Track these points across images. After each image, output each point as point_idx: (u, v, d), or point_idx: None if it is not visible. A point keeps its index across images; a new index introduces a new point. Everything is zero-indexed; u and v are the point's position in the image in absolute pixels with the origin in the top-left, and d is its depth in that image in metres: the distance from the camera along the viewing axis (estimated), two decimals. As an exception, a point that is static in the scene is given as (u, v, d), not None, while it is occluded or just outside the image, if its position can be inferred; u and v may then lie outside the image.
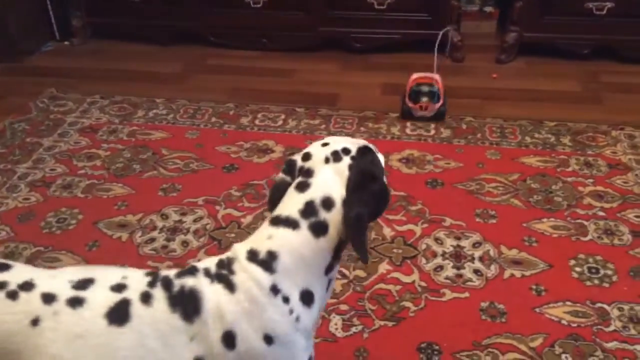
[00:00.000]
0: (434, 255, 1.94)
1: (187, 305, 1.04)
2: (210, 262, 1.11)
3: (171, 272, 1.10)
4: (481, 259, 1.91)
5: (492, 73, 2.98)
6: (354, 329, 1.69)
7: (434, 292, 1.81)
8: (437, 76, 2.64)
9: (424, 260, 1.91)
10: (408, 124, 2.61)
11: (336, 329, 1.70)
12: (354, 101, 2.80)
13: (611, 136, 2.47)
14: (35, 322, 1.01)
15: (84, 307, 1.02)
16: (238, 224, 2.07)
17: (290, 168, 1.17)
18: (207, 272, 1.08)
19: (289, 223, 1.08)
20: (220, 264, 1.09)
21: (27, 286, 1.04)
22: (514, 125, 2.57)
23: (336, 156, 1.13)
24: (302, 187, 1.11)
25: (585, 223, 2.03)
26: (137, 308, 1.03)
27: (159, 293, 1.05)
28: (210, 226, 2.07)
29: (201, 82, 3.04)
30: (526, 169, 2.31)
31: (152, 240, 2.02)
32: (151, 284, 1.06)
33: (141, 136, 2.58)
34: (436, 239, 2.00)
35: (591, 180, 2.23)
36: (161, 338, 1.02)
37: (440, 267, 1.89)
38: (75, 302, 1.02)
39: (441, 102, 2.61)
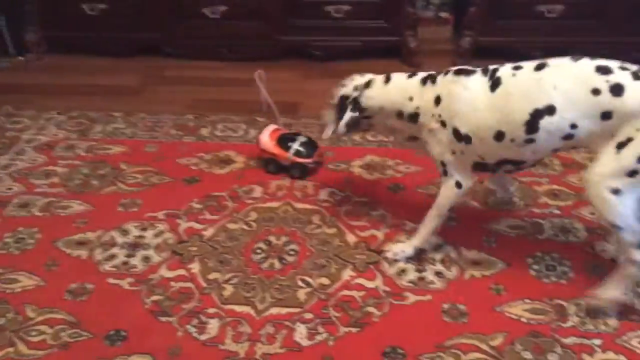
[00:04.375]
0: (397, 259, 1.96)
1: None
2: None
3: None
4: (442, 261, 1.94)
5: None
6: (318, 337, 1.70)
7: (397, 295, 1.82)
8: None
9: (386, 265, 1.93)
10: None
11: (301, 337, 1.70)
12: (316, 109, 2.79)
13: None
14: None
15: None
16: (200, 236, 2.06)
17: None
18: None
19: None
20: None
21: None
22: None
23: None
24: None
25: (542, 222, 2.08)
26: None
27: None
28: (172, 240, 2.05)
29: (160, 95, 3.02)
30: (484, 170, 2.35)
31: (113, 257, 1.99)
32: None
33: (99, 151, 2.54)
34: (398, 242, 2.02)
35: (546, 179, 2.28)
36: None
37: (403, 271, 1.91)
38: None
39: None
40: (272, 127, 2.45)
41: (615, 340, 1.66)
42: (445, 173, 1.85)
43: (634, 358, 1.61)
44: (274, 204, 2.20)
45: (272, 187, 2.29)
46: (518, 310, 1.76)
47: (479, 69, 1.77)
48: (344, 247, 2.01)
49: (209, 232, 2.08)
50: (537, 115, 1.62)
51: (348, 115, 1.92)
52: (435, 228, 1.92)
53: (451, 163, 1.82)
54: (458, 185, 1.84)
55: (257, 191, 2.27)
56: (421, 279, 1.88)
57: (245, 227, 2.10)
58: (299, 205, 2.20)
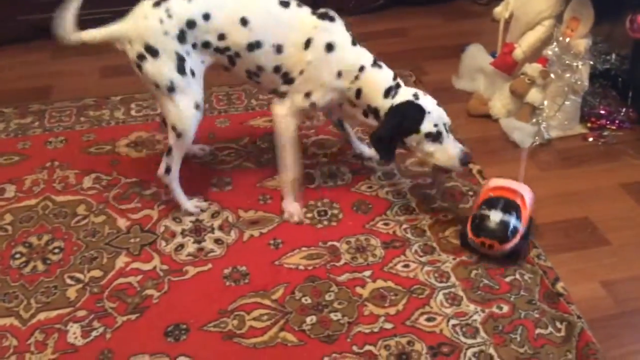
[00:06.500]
0: (174, 235, 1.90)
1: None
2: None
3: None
4: (221, 227, 1.93)
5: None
6: (94, 333, 1.60)
7: (176, 272, 1.78)
8: (523, 188, 1.87)
9: (163, 243, 1.87)
10: (133, 104, 2.50)
11: (75, 338, 1.58)
12: (71, 90, 2.60)
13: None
14: None
15: None
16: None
17: None
18: None
19: None
20: None
21: None
22: (239, 90, 2.62)
23: None
24: None
25: (312, 171, 2.17)
26: None
27: None
28: None
29: None
30: (255, 130, 2.38)
31: None
32: None
33: None
34: (174, 219, 1.96)
35: (312, 131, 2.38)
36: None
37: (181, 246, 1.86)
38: None
39: (518, 236, 1.77)
40: (497, 181, 1.90)
41: (383, 268, 1.80)
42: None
43: (399, 280, 1.76)
44: (31, 202, 2.00)
45: (26, 184, 2.07)
46: (296, 259, 1.82)
47: None
48: (115, 233, 1.90)
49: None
50: None
51: None
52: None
53: None
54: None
55: (10, 190, 2.04)
56: (200, 249, 1.85)
57: (-1, 232, 1.89)
58: (61, 198, 2.02)
